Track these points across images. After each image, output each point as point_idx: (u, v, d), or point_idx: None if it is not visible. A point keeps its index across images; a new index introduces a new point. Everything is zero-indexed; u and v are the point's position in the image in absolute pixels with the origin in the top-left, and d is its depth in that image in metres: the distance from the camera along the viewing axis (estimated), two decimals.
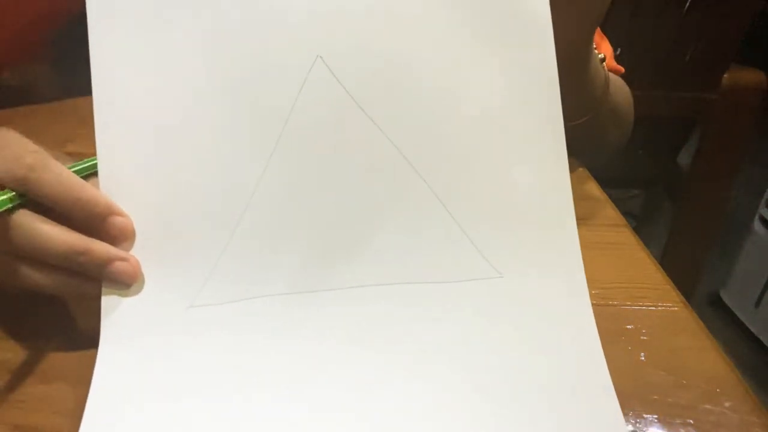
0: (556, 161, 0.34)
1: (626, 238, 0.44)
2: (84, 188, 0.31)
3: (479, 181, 0.34)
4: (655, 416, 0.29)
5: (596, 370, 0.30)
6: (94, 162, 0.32)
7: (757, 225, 1.40)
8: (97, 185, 0.32)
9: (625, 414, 0.29)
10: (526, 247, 0.34)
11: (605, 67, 0.51)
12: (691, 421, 0.29)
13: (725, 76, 1.11)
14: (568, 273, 0.33)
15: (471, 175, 0.34)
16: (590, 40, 0.46)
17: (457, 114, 0.34)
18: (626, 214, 0.46)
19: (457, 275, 0.33)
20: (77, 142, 0.48)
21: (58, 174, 0.30)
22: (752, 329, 1.42)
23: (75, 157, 0.34)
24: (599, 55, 0.50)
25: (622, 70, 0.58)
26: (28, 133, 0.32)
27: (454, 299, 0.33)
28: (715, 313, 1.51)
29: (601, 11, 0.43)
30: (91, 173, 0.32)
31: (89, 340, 0.31)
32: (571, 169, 0.34)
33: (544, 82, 0.34)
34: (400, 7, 0.34)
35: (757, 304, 1.41)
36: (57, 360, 0.32)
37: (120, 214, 0.31)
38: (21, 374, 0.31)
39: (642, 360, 0.33)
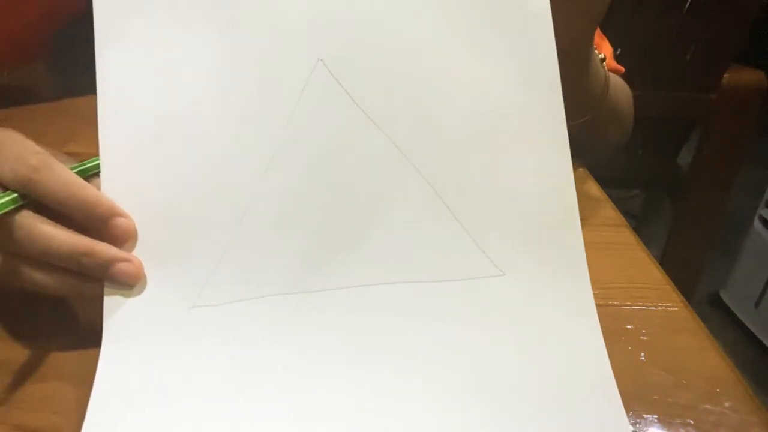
0: (559, 158, 0.34)
1: (626, 238, 0.44)
2: (86, 189, 0.31)
3: (481, 179, 0.34)
4: (655, 416, 0.29)
5: (600, 370, 0.30)
6: (96, 162, 0.32)
7: (757, 225, 1.40)
8: (98, 186, 0.32)
9: (626, 414, 0.29)
10: (529, 245, 0.33)
11: (605, 67, 0.51)
12: (691, 421, 0.29)
13: (725, 76, 1.11)
14: (571, 272, 0.33)
15: (473, 175, 0.34)
16: (591, 40, 0.46)
17: (460, 114, 0.34)
18: (626, 214, 0.46)
19: (459, 274, 0.33)
20: (77, 142, 0.48)
21: (60, 175, 0.30)
22: (752, 329, 1.42)
23: (75, 157, 0.34)
24: (599, 55, 0.50)
25: (622, 69, 0.58)
26: (28, 133, 0.32)
27: (455, 298, 0.32)
28: (715, 313, 1.51)
29: (601, 10, 0.43)
30: (93, 174, 0.32)
31: (90, 340, 0.31)
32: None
33: (545, 80, 0.34)
34: (400, 10, 0.34)
35: (757, 304, 1.41)
36: (58, 360, 0.32)
37: (122, 215, 0.31)
38: (22, 374, 0.31)
39: (642, 360, 0.33)
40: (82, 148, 0.35)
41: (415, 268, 0.33)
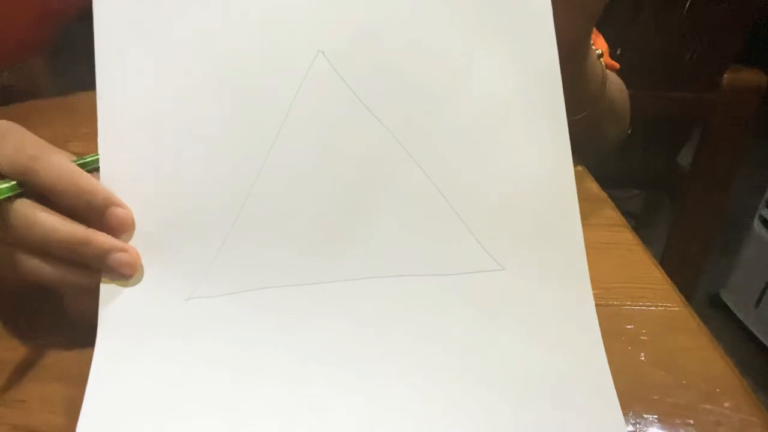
0: (560, 155, 0.34)
1: (626, 238, 0.44)
2: (84, 179, 0.31)
3: (481, 173, 0.34)
4: (655, 416, 0.29)
5: (597, 367, 0.30)
6: (96, 158, 0.32)
7: (757, 225, 1.40)
8: (98, 179, 0.32)
9: (625, 414, 0.29)
10: (528, 240, 0.33)
11: (602, 63, 0.51)
12: (691, 421, 0.29)
13: (725, 76, 1.11)
14: (570, 268, 0.33)
15: (472, 168, 0.34)
16: (588, 37, 0.46)
17: (459, 108, 0.34)
18: (626, 214, 0.46)
19: (459, 268, 0.33)
20: (77, 141, 0.48)
21: (59, 165, 0.30)
22: (752, 329, 1.42)
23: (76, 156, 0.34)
24: (596, 51, 0.50)
25: (617, 66, 0.58)
26: (29, 131, 0.32)
27: (455, 292, 0.32)
28: (715, 313, 1.51)
29: (599, 8, 0.43)
30: (92, 168, 0.32)
31: (90, 340, 0.31)
32: None
33: (546, 75, 0.34)
34: (402, 4, 0.34)
35: (757, 304, 1.41)
36: (57, 360, 0.32)
37: (120, 205, 0.31)
38: (20, 374, 0.31)
39: (642, 360, 0.32)
40: (82, 147, 0.35)
41: (414, 262, 0.33)
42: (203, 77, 0.33)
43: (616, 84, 0.56)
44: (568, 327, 0.32)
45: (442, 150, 0.34)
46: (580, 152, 0.52)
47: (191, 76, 0.33)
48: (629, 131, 0.61)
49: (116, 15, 0.33)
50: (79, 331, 0.32)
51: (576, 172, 0.39)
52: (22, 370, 0.31)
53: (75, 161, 0.32)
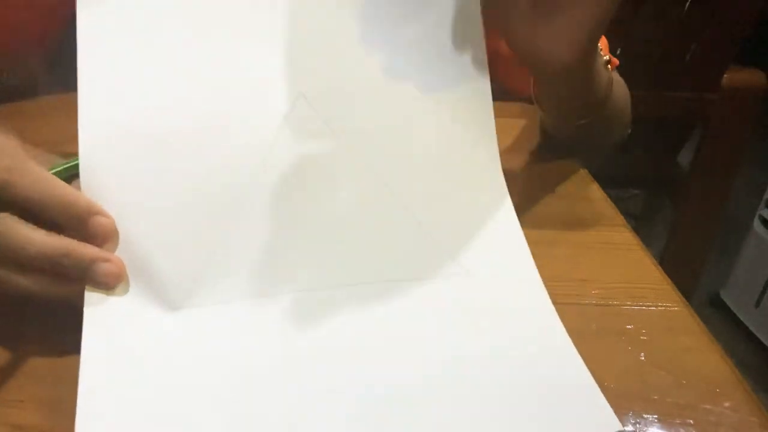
0: (491, 173, 0.38)
1: (626, 238, 0.44)
2: (63, 189, 0.30)
3: (442, 193, 0.38)
4: (655, 416, 0.29)
5: (571, 366, 0.30)
6: (77, 163, 0.32)
7: (757, 225, 1.40)
8: (79, 186, 0.31)
9: (625, 414, 0.29)
10: (484, 247, 0.36)
11: (609, 69, 0.51)
12: (691, 421, 0.29)
13: (725, 76, 1.11)
14: (520, 271, 0.35)
15: (433, 191, 0.37)
16: (595, 50, 0.46)
17: (422, 139, 0.38)
18: (626, 214, 0.46)
19: (426, 273, 0.35)
20: (76, 141, 0.48)
21: (36, 176, 0.30)
22: (752, 329, 1.42)
23: (73, 156, 0.34)
24: (604, 57, 0.50)
25: (617, 62, 0.58)
26: (27, 131, 0.32)
27: (424, 297, 0.34)
28: (715, 313, 1.51)
29: (608, 14, 0.42)
30: (73, 174, 0.32)
31: None
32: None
33: (478, 98, 0.39)
34: (371, 47, 0.37)
35: (757, 304, 1.41)
36: (57, 360, 0.32)
37: (102, 214, 0.31)
38: (20, 374, 0.31)
39: (642, 360, 0.32)
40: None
41: (383, 268, 0.35)
42: (186, 93, 0.34)
43: (618, 83, 0.56)
44: (531, 328, 0.33)
45: (408, 176, 0.37)
46: (582, 155, 0.52)
47: (174, 89, 0.34)
48: (629, 131, 0.61)
49: (101, 23, 0.34)
50: (79, 332, 0.32)
51: (578, 174, 0.40)
52: (21, 371, 0.31)
53: (58, 166, 0.31)
